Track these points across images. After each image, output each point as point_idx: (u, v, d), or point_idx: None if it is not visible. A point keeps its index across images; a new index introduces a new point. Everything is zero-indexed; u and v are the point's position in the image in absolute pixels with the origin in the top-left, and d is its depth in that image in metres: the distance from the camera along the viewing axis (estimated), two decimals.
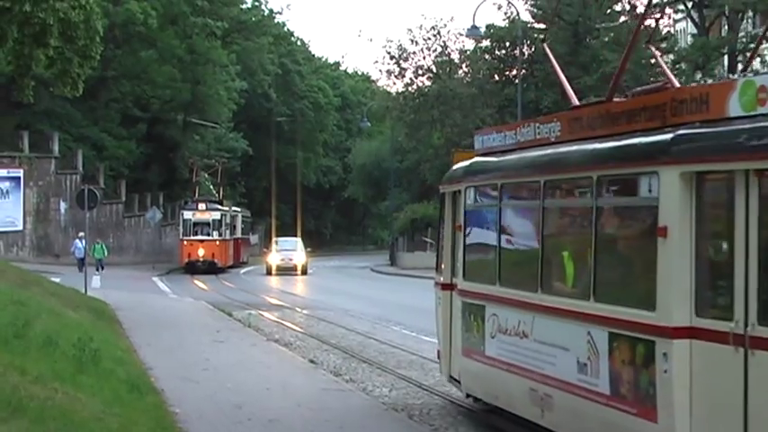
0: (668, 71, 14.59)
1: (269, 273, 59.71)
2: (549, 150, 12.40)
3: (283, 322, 29.95)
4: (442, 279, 15.78)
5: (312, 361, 20.83)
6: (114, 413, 12.35)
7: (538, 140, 12.84)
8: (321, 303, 37.63)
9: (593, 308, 10.78)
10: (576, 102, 13.78)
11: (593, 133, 11.46)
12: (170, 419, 13.49)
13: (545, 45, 18.20)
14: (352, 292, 44.39)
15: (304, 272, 59.89)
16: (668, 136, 9.89)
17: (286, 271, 59.27)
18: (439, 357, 16.07)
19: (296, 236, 69.60)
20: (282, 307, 35.84)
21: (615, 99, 11.88)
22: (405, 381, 18.38)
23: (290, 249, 62.05)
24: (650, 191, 10.05)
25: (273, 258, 60.98)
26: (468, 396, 14.77)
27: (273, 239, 65.30)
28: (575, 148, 11.76)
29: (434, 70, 66.33)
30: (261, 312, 33.02)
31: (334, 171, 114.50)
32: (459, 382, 14.82)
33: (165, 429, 12.83)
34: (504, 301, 12.97)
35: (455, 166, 15.96)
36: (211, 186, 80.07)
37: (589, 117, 11.76)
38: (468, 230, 14.61)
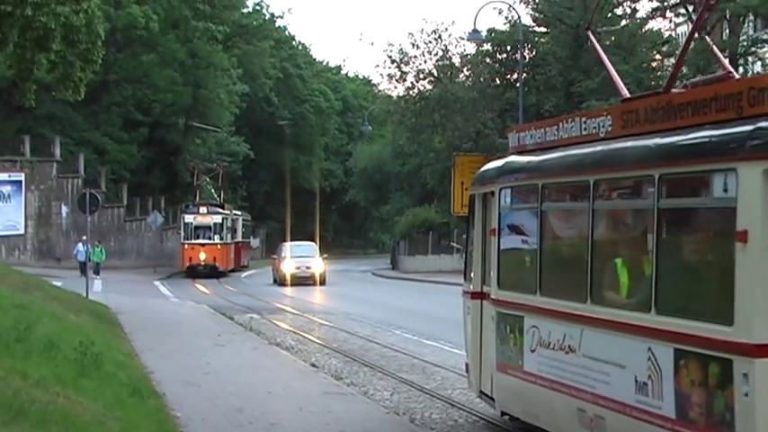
0: (725, 61, 13.33)
1: (281, 283, 52.34)
2: (600, 147, 11.27)
3: (285, 326, 29.96)
4: (471, 287, 14.55)
5: (313, 365, 20.84)
6: (116, 417, 12.36)
7: (585, 136, 11.78)
8: (322, 307, 37.65)
9: (655, 321, 9.65)
10: (626, 93, 12.54)
11: (652, 127, 10.37)
12: (171, 423, 13.50)
13: (589, 32, 16.41)
14: (354, 296, 44.40)
15: (323, 282, 52.22)
16: (748, 128, 8.89)
17: (302, 281, 51.58)
18: (467, 371, 14.90)
19: (308, 240, 64.00)
20: (284, 311, 35.84)
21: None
22: (406, 384, 18.38)
23: (305, 256, 53.87)
24: (726, 190, 8.96)
25: (287, 266, 52.91)
26: (503, 414, 13.68)
27: (284, 244, 57.87)
28: (631, 143, 10.66)
29: (435, 74, 66.32)
30: (265, 317, 33.06)
31: (336, 175, 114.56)
32: (491, 399, 13.75)
33: None
34: (547, 313, 11.87)
35: (486, 166, 14.77)
36: (213, 190, 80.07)
37: (647, 110, 10.61)
38: (502, 235, 13.49)
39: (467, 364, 14.91)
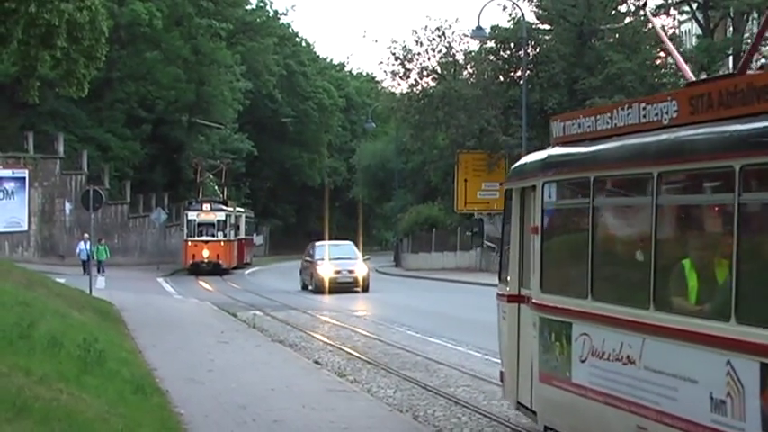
0: None
1: (317, 290, 44.16)
2: (665, 135, 10.09)
3: (288, 323, 29.97)
4: (508, 290, 13.51)
5: (317, 362, 20.84)
6: (119, 414, 12.36)
7: (644, 124, 10.58)
8: (325, 304, 37.64)
9: (736, 331, 8.58)
10: (691, 77, 11.40)
11: (729, 113, 9.30)
12: (175, 420, 13.50)
13: (653, 19, 14.95)
14: (360, 294, 44.37)
15: (366, 288, 44.70)
16: None
17: (343, 287, 43.85)
18: (502, 380, 13.90)
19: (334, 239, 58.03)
20: (287, 307, 35.85)
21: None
22: (409, 382, 18.37)
23: (346, 258, 46.01)
24: None
25: (325, 270, 44.50)
26: (546, 429, 12.37)
27: (317, 244, 48.87)
28: (703, 131, 9.56)
29: (439, 71, 66.29)
30: (268, 313, 33.08)
31: (339, 172, 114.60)
32: (531, 411, 12.71)
33: (170, 430, 12.84)
34: (600, 319, 10.76)
35: (527, 158, 13.76)
36: (216, 187, 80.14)
37: (722, 93, 9.53)
38: (546, 233, 12.39)
39: (501, 373, 13.93)
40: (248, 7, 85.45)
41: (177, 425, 13.24)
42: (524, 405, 12.97)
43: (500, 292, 13.93)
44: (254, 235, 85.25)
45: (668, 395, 9.57)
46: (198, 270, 60.35)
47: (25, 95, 32.70)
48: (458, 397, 16.57)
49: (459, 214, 64.97)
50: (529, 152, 62.47)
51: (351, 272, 44.69)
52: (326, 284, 43.82)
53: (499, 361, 14.45)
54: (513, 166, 14.14)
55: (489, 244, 50.72)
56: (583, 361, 11.13)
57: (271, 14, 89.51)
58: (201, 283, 53.24)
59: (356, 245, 49.90)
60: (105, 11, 33.87)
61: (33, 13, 27.89)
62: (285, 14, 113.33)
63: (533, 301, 12.43)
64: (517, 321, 13.22)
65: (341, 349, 23.43)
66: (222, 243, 62.93)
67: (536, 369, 12.30)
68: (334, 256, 45.51)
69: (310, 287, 45.14)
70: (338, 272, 44.48)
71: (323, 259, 45.22)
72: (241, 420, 13.97)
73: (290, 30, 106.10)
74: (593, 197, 11.15)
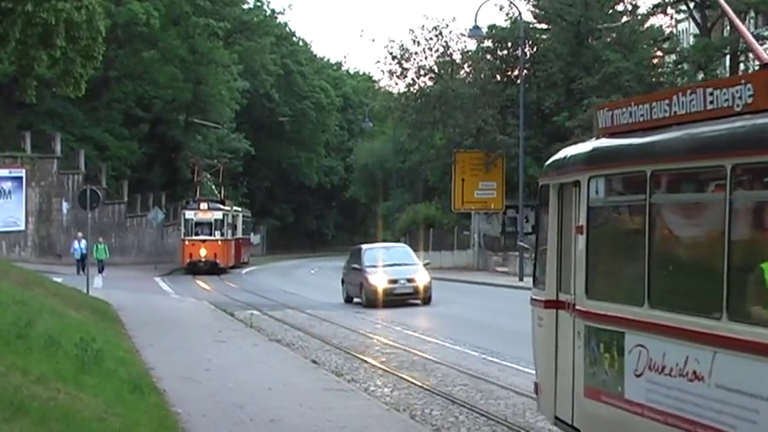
0: None
1: (369, 303, 35.95)
2: (740, 123, 9.00)
3: (285, 322, 29.97)
4: (544, 294, 12.39)
5: (314, 361, 20.84)
6: (116, 413, 12.36)
7: (712, 111, 9.50)
8: (323, 304, 37.63)
9: None
10: (766, 58, 10.11)
11: None
12: (172, 420, 13.50)
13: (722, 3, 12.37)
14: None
15: (427, 299, 36.53)
16: None
17: (401, 299, 36.01)
18: (537, 392, 12.81)
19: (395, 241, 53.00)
20: (285, 307, 35.84)
21: None
22: (407, 381, 18.37)
23: (403, 264, 37.73)
24: None
25: (379, 280, 36.36)
26: None
27: (365, 248, 40.42)
28: None
29: (436, 70, 66.32)
30: (265, 313, 33.08)
31: (336, 171, 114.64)
32: (574, 429, 11.57)
33: (167, 429, 12.83)
34: (660, 329, 9.63)
35: (565, 152, 12.56)
36: (213, 186, 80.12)
37: None
38: (593, 233, 11.27)
39: (536, 384, 12.83)
40: (245, 6, 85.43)
41: (174, 424, 13.24)
42: (564, 421, 11.86)
43: (535, 297, 12.79)
44: (252, 234, 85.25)
45: (747, 418, 8.48)
46: (195, 269, 60.34)
47: (22, 95, 32.71)
48: (455, 396, 16.56)
49: (456, 213, 65.01)
50: (526, 152, 62.72)
51: (410, 281, 36.80)
52: (380, 296, 36.22)
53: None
54: (551, 160, 13.03)
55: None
56: (638, 375, 10.03)
57: (268, 14, 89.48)
58: (199, 282, 53.23)
59: (358, 244, 47.51)
60: (102, 10, 33.85)
61: (30, 12, 27.91)
62: (282, 14, 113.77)
63: (577, 307, 11.33)
64: (555, 329, 12.11)
65: (338, 348, 23.44)
66: (219, 242, 62.92)
67: (580, 382, 11.24)
68: (389, 262, 37.62)
69: (359, 299, 37.03)
70: (394, 281, 36.57)
71: (375, 266, 37.17)
72: (238, 420, 13.97)
73: (288, 29, 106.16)
74: (651, 193, 10.02)
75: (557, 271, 12.19)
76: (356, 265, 38.01)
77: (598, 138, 11.62)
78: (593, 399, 10.92)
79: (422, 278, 36.93)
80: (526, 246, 48.71)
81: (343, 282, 39.82)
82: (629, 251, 10.61)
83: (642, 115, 10.61)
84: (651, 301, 9.83)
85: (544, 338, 12.37)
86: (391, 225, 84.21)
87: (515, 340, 19.91)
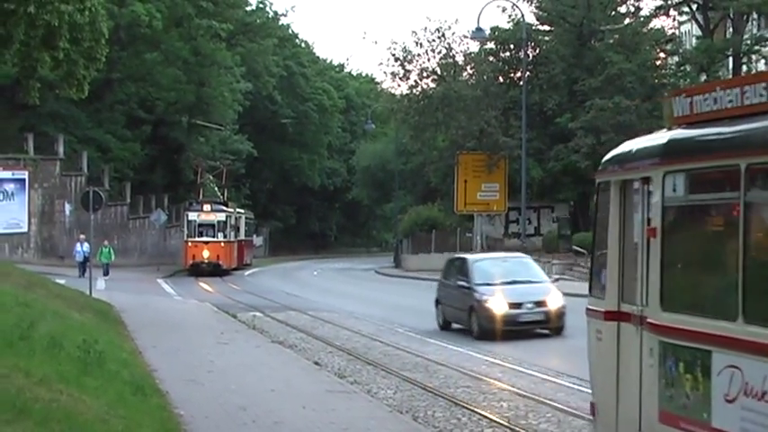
0: None
1: (483, 333, 26.39)
2: None
3: (288, 324, 29.95)
4: (603, 305, 11.13)
5: (317, 363, 20.83)
6: (119, 415, 12.35)
7: None
8: (326, 305, 37.63)
9: None
10: None
11: None
12: (174, 421, 13.50)
13: None
14: (357, 295, 44.39)
15: (560, 329, 26.59)
16: None
17: (528, 327, 26.57)
18: (593, 413, 11.57)
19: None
20: (287, 308, 35.84)
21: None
22: (409, 383, 18.36)
23: (528, 282, 27.99)
24: None
25: (498, 304, 26.67)
26: None
27: (468, 259, 30.83)
28: None
29: (439, 72, 66.30)
30: (268, 315, 33.07)
31: (339, 173, 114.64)
32: None
33: (170, 431, 12.84)
34: (759, 349, 8.32)
35: (633, 144, 11.22)
36: (216, 188, 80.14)
37: None
38: (670, 236, 9.93)
39: (592, 405, 11.61)
40: (248, 8, 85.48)
41: (177, 426, 13.23)
42: None
43: (592, 307, 11.47)
44: (254, 236, 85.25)
45: None
46: (198, 271, 60.33)
47: (25, 97, 32.72)
48: (458, 398, 16.56)
49: (458, 215, 64.98)
50: (528, 153, 62.59)
51: (539, 304, 26.84)
52: (500, 325, 26.62)
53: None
54: (612, 154, 11.65)
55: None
56: (730, 401, 8.73)
57: (271, 15, 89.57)
58: (201, 284, 53.22)
59: (360, 246, 46.51)
60: (105, 12, 33.86)
61: (33, 13, 27.91)
62: (285, 15, 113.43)
63: (649, 320, 10.04)
64: (616, 344, 10.86)
65: (341, 350, 23.42)
66: (222, 244, 62.89)
67: (653, 406, 9.94)
68: (508, 279, 27.90)
69: (470, 328, 27.22)
70: (518, 305, 26.78)
71: (491, 285, 27.53)
72: (241, 422, 13.97)
73: (290, 31, 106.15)
74: (746, 189, 8.68)
75: (619, 278, 10.96)
76: (462, 282, 28.33)
77: (671, 128, 10.35)
78: (670, 425, 9.63)
79: (554, 300, 27.03)
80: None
81: (438, 302, 30.03)
82: (717, 257, 9.41)
83: (731, 101, 9.32)
84: (747, 316, 8.55)
85: (603, 354, 11.12)
86: (393, 227, 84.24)
87: None
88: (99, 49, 31.28)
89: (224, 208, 65.49)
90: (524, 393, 16.99)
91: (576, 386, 17.14)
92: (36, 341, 16.34)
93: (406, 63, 66.58)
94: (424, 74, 66.57)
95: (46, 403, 11.57)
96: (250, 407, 15.00)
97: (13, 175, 62.02)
